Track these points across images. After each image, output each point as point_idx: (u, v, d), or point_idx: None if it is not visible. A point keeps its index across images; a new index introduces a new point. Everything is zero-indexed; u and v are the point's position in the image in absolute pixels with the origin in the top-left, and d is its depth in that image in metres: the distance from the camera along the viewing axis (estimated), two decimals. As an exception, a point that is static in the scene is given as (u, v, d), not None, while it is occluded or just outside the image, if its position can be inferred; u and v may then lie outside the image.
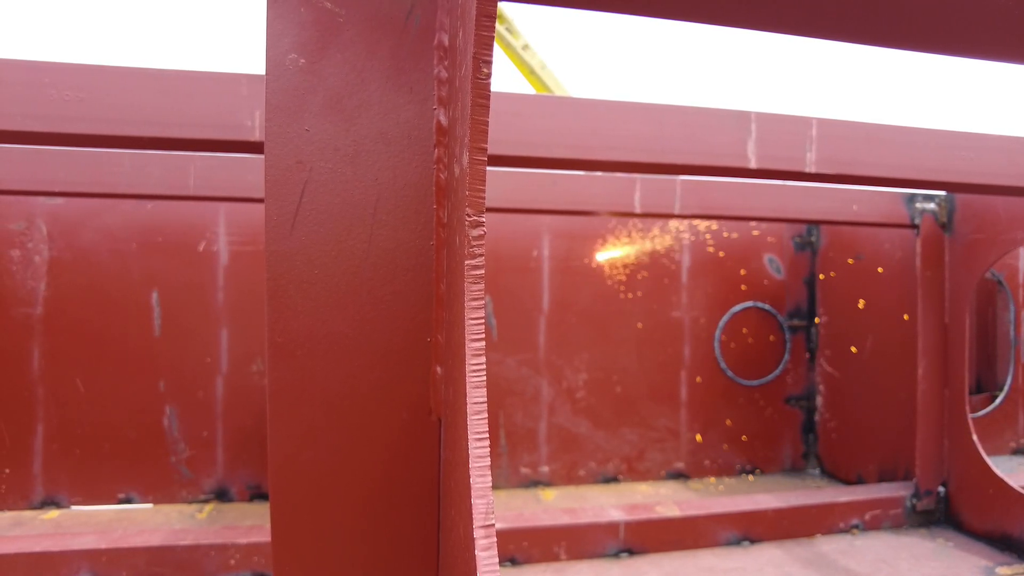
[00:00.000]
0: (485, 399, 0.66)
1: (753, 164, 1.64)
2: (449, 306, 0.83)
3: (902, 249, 2.70)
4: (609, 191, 2.29)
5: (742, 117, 1.64)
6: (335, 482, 0.91)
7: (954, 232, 2.50)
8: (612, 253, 2.98)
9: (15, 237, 2.49)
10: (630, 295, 3.00)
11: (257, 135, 1.34)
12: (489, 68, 0.64)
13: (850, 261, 2.98)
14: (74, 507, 2.52)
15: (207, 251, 2.63)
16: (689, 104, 1.62)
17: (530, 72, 8.16)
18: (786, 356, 3.15)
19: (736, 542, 2.30)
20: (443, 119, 0.90)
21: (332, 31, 0.87)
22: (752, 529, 2.32)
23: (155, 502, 2.58)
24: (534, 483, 2.89)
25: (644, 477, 3.01)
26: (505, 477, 2.86)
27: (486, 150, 0.66)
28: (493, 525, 0.60)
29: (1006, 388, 3.02)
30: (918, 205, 2.51)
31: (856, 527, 2.44)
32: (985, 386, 3.12)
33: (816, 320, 3.21)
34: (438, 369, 0.92)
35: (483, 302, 0.68)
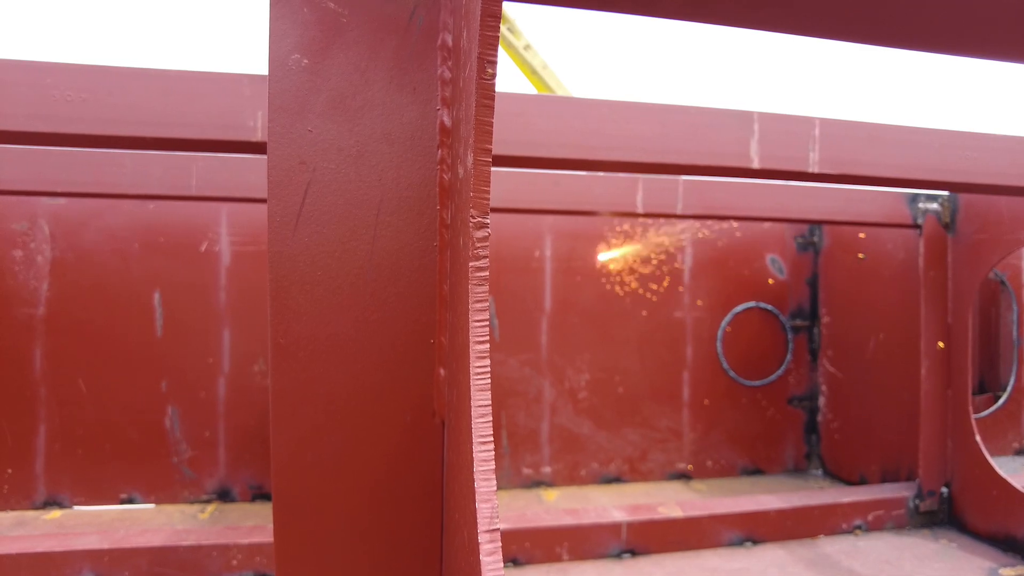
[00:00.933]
0: (489, 402, 0.65)
1: (756, 164, 1.64)
2: (453, 308, 0.83)
3: (905, 249, 2.69)
4: (611, 191, 2.28)
5: (745, 117, 1.64)
6: (338, 483, 0.91)
7: (957, 232, 2.50)
8: (614, 253, 2.98)
9: (18, 237, 2.49)
10: (632, 295, 3.00)
11: (259, 135, 1.34)
12: (494, 68, 0.64)
13: (860, 256, 2.96)
14: (76, 507, 2.53)
15: (209, 251, 2.63)
16: (691, 104, 1.61)
17: (532, 72, 8.17)
18: (788, 356, 3.15)
19: (739, 543, 2.30)
20: (447, 120, 0.90)
21: (335, 31, 0.87)
22: (755, 530, 2.32)
23: (157, 502, 2.59)
24: (536, 484, 2.89)
25: (646, 477, 3.01)
26: (507, 478, 2.86)
27: (491, 151, 0.66)
28: (498, 530, 0.60)
29: (1009, 388, 3.02)
30: (921, 205, 2.50)
31: (859, 528, 2.43)
32: (988, 386, 3.11)
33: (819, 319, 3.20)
34: (442, 371, 0.91)
35: (487, 304, 0.68)
